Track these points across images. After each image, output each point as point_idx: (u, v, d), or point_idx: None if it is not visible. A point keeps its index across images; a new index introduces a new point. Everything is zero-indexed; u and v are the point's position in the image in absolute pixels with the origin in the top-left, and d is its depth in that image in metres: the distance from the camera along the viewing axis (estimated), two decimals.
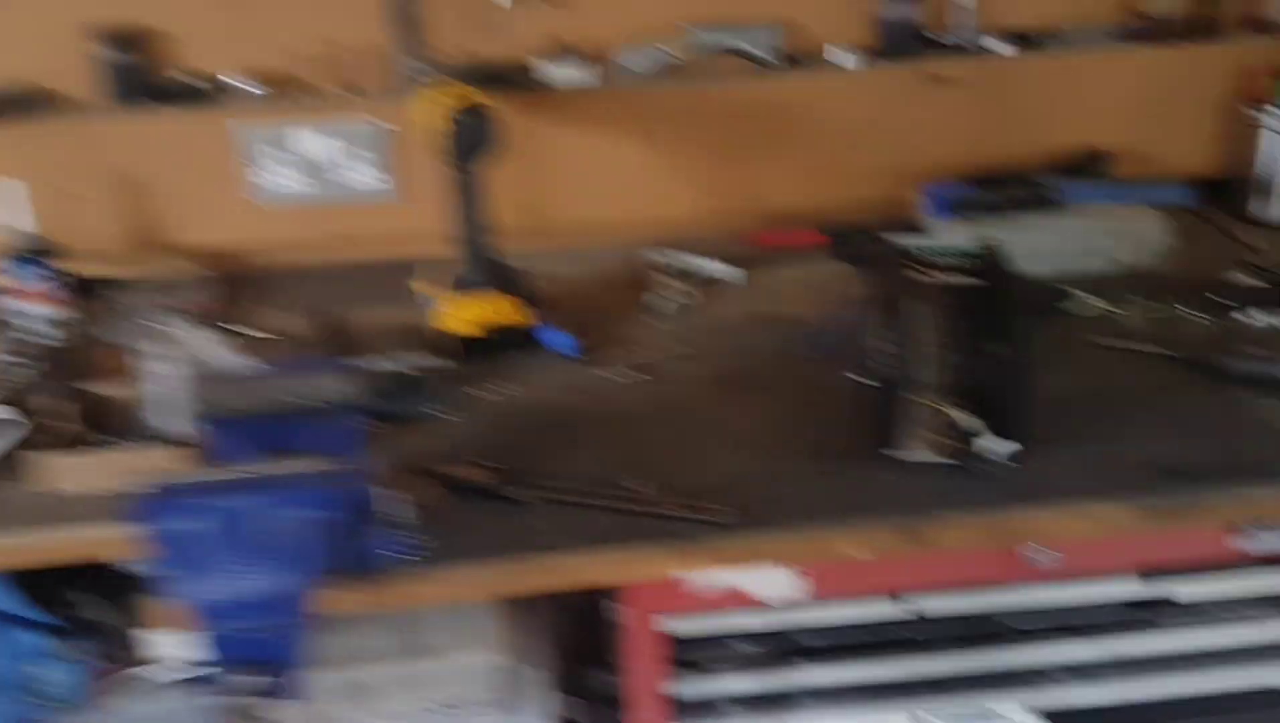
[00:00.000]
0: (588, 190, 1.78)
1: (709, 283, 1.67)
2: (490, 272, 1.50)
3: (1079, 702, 1.29)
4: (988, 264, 1.25)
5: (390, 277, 1.64)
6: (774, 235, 1.78)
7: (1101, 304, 1.52)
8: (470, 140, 1.42)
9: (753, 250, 1.75)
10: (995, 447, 1.17)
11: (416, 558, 1.10)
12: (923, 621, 1.23)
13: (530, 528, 1.14)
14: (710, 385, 1.39)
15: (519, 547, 1.12)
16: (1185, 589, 1.26)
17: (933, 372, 1.17)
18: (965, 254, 1.27)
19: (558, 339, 1.49)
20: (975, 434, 1.17)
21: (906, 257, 1.27)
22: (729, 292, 1.66)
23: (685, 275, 1.67)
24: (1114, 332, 1.46)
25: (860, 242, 1.68)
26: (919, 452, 1.17)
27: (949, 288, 1.21)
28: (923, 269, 1.24)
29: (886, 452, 1.19)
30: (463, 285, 1.49)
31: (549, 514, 1.16)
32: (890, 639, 1.25)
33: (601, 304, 1.61)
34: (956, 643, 1.25)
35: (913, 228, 1.72)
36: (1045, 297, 1.55)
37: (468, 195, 1.45)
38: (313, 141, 1.71)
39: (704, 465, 1.23)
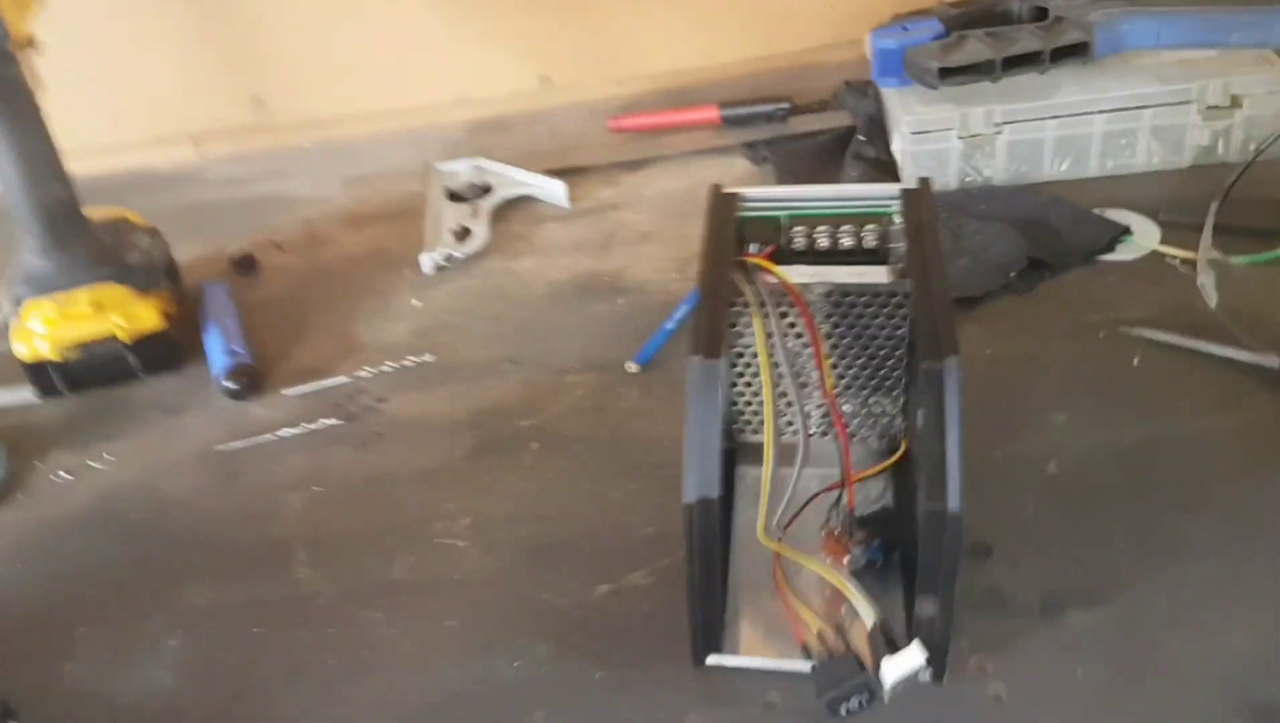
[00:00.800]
0: (335, 69, 1.13)
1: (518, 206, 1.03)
2: (90, 247, 0.88)
3: None
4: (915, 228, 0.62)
5: None
6: (635, 118, 1.12)
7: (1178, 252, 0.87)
8: None
9: (599, 147, 1.10)
10: (900, 664, 0.57)
11: None
12: None
13: None
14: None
15: None
16: None
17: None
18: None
19: (218, 356, 0.89)
20: (890, 639, 0.57)
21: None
22: (546, 231, 1.02)
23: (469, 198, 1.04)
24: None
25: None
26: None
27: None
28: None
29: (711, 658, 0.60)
30: (35, 282, 0.87)
31: None
32: None
33: (326, 270, 1.00)
34: None
35: (854, 105, 1.06)
36: (1090, 233, 0.91)
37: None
38: None
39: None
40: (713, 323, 0.57)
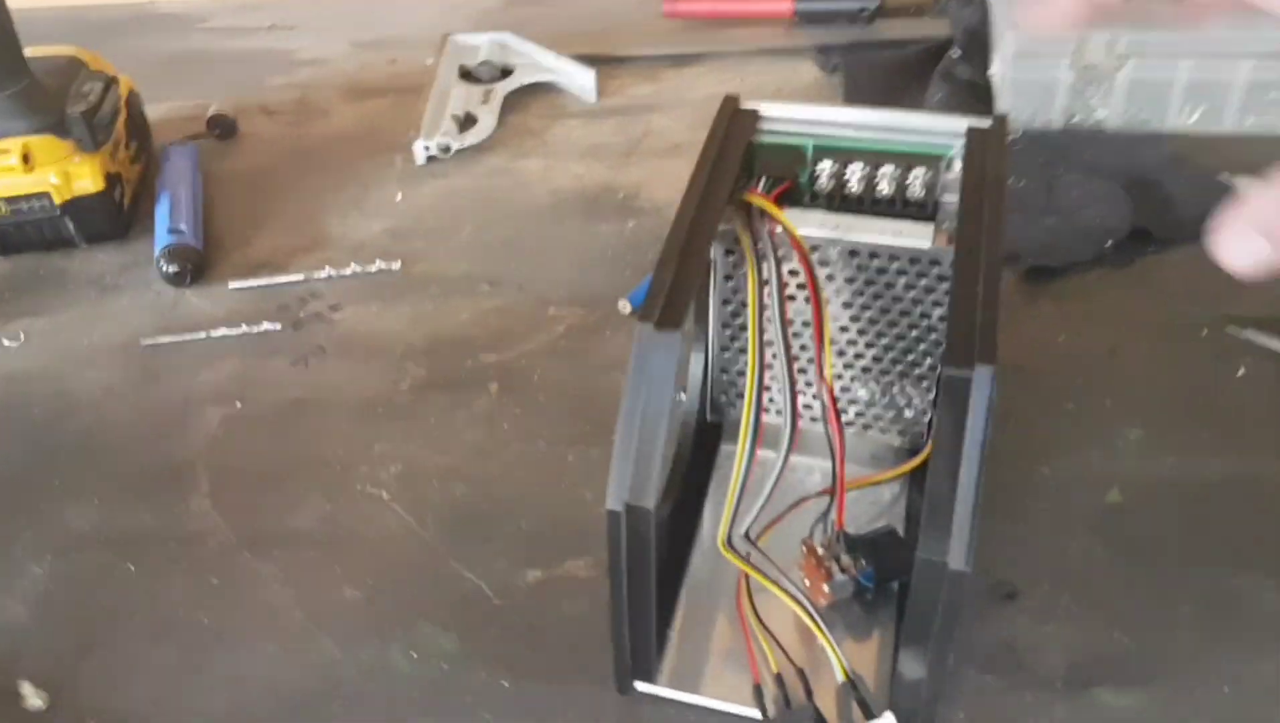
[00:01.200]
0: None
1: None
2: (25, 91, 0.79)
3: None
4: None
5: None
6: (694, 3, 0.98)
7: None
8: None
9: (646, 34, 0.97)
10: None
11: None
12: None
13: None
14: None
15: None
16: None
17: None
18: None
19: (160, 233, 0.79)
20: (860, 701, 0.46)
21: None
22: (563, 129, 0.90)
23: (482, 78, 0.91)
24: None
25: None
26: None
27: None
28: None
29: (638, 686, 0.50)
30: None
31: None
32: None
33: (310, 147, 0.89)
34: None
35: (955, 13, 0.90)
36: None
37: None
38: None
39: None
40: (677, 280, 0.45)
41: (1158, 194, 0.78)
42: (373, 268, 0.77)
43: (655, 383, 0.44)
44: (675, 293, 0.45)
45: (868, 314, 0.55)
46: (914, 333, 0.55)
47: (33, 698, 0.53)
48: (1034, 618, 0.54)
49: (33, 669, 0.55)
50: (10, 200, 0.78)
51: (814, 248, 0.53)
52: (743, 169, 0.53)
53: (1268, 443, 0.61)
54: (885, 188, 0.53)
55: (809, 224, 0.52)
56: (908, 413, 0.58)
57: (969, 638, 0.53)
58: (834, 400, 0.53)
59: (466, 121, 0.89)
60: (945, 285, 0.53)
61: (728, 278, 0.55)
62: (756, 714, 0.49)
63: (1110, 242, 0.74)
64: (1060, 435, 0.62)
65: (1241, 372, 0.66)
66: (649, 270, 0.73)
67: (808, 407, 0.59)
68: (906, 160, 0.53)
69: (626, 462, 0.43)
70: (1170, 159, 0.81)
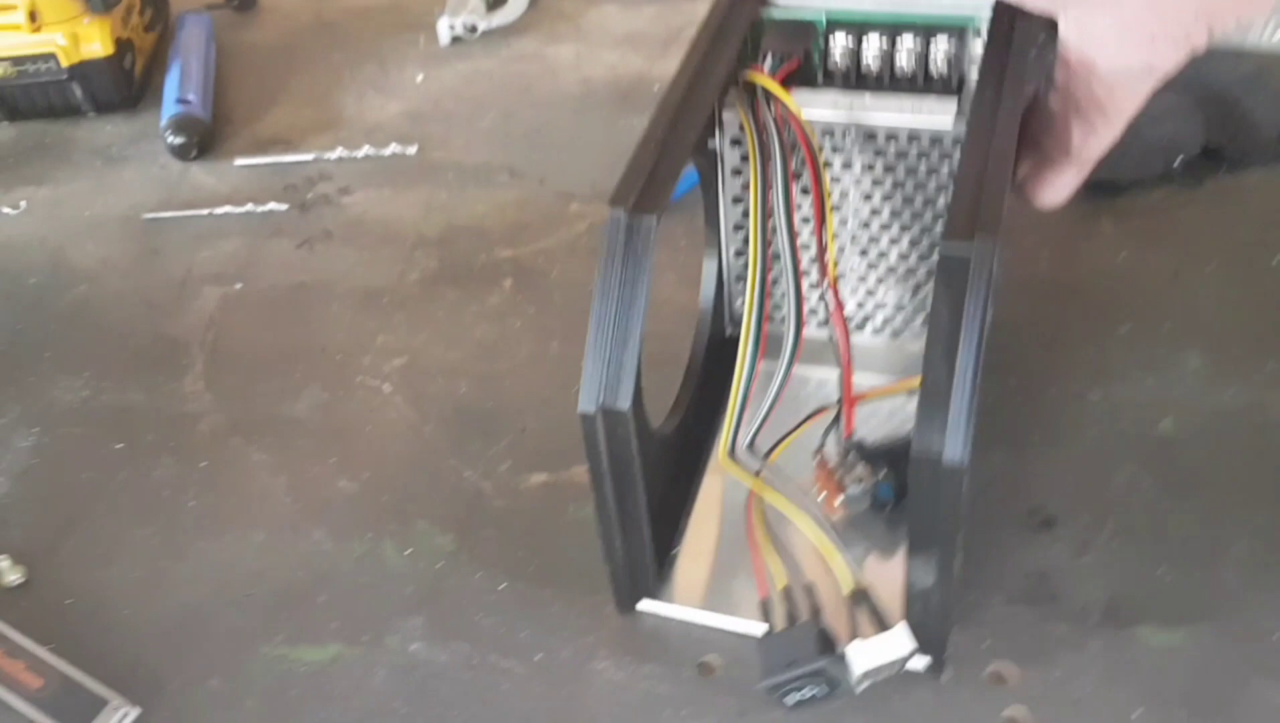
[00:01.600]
0: None
1: None
2: None
3: None
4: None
5: None
6: None
7: None
8: None
9: None
10: (875, 650, 0.43)
11: None
12: None
13: None
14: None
15: None
16: None
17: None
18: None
19: (168, 104, 0.77)
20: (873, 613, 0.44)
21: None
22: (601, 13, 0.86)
23: None
24: None
25: None
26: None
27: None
28: None
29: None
30: None
31: None
32: None
33: (332, 21, 0.86)
34: None
35: None
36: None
37: None
38: None
39: None
40: (658, 163, 0.42)
41: (1234, 112, 0.73)
42: (387, 151, 0.74)
43: (629, 273, 0.41)
44: (656, 177, 0.41)
45: (889, 206, 0.51)
46: (940, 226, 0.51)
47: (10, 573, 0.52)
48: (1072, 549, 0.51)
49: (12, 544, 0.53)
50: (16, 61, 0.75)
51: (828, 133, 0.49)
52: (748, 47, 0.49)
53: None
54: (905, 62, 0.49)
55: (820, 105, 0.48)
56: None
57: (999, 564, 0.50)
58: (838, 299, 0.50)
59: (496, 1, 0.85)
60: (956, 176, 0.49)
61: (736, 173, 0.52)
62: (757, 629, 0.47)
63: (1180, 159, 0.70)
64: (1113, 360, 0.59)
65: None
66: None
67: (814, 312, 0.55)
68: (928, 30, 0.49)
69: (599, 361, 0.41)
70: (1249, 76, 0.76)
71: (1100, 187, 0.68)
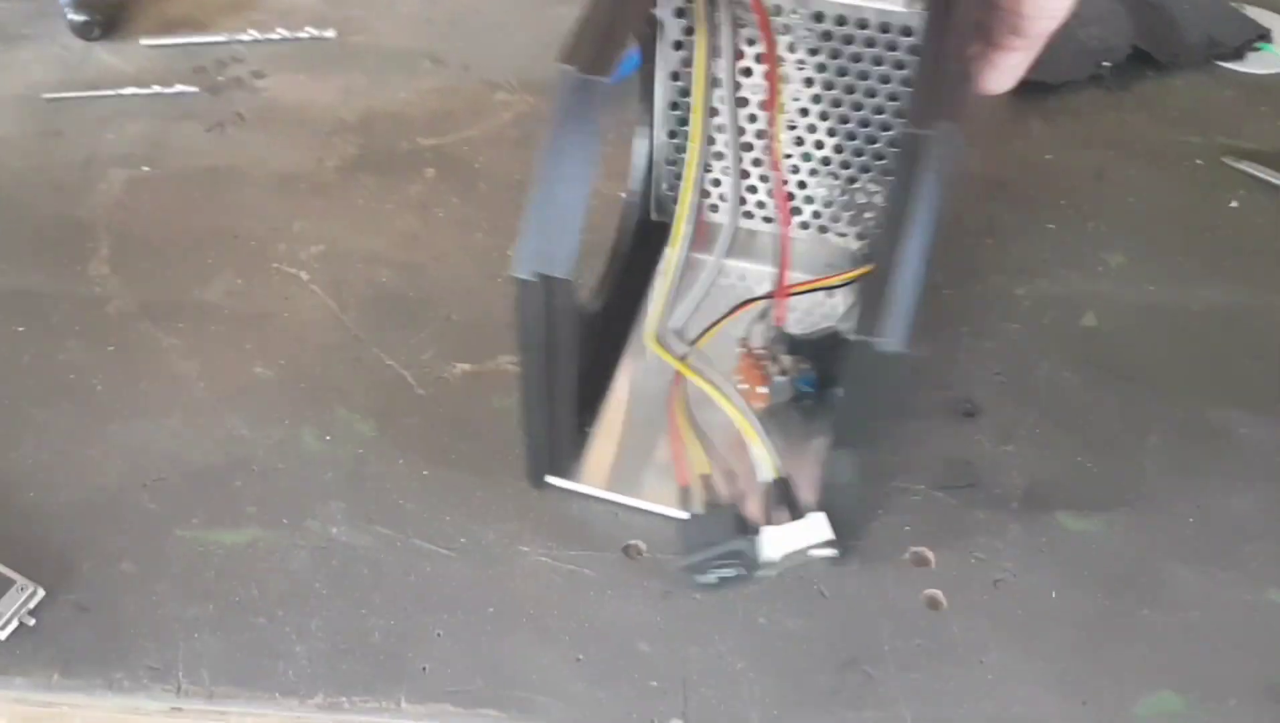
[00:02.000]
0: None
1: None
2: None
3: None
4: None
5: None
6: None
7: None
8: None
9: None
10: (789, 536, 0.44)
11: None
12: None
13: None
14: None
15: None
16: None
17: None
18: None
19: None
20: (788, 502, 0.45)
21: None
22: None
23: None
24: None
25: None
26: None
27: None
28: None
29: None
30: None
31: None
32: None
33: None
34: None
35: None
36: (1218, 31, 0.73)
37: None
38: None
39: None
40: (609, 19, 0.41)
41: (1162, 17, 0.74)
42: (303, 34, 0.72)
43: (576, 134, 0.40)
44: (609, 35, 0.41)
45: (830, 95, 0.51)
46: (879, 118, 0.51)
47: None
48: (994, 437, 0.52)
49: None
50: None
51: (775, 13, 0.49)
52: None
53: (1257, 275, 0.59)
54: None
55: None
56: (868, 214, 0.55)
57: (922, 452, 0.51)
58: (784, 186, 0.50)
59: None
60: (918, 61, 0.49)
61: (678, 45, 0.51)
62: (679, 515, 0.47)
63: (1108, 63, 0.71)
64: (1039, 255, 0.60)
65: (1234, 204, 0.63)
66: None
67: (761, 205, 0.55)
68: None
69: (543, 224, 0.40)
70: None
71: (1030, 87, 0.68)
